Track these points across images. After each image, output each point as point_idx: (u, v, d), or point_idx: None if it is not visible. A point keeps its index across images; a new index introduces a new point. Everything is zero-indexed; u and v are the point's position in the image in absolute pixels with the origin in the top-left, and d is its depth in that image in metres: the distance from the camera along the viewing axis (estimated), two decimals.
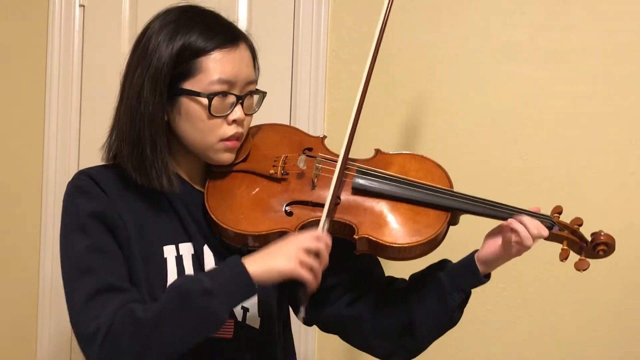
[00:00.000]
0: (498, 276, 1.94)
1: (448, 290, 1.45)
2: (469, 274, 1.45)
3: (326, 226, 1.37)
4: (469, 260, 1.46)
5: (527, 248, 1.40)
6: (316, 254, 1.31)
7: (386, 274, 1.59)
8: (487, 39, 2.12)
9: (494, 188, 2.08)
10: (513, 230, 1.39)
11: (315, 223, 1.42)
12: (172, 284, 1.31)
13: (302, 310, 1.38)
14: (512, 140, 2.09)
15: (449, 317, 1.47)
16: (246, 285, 1.28)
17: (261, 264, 1.29)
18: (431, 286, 1.47)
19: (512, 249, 1.41)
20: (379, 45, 1.48)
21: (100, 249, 1.36)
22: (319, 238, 1.33)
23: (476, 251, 1.46)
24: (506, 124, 2.10)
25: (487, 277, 1.47)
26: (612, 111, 2.03)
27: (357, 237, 1.41)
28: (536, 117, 2.08)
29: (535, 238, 1.40)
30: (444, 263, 1.50)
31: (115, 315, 1.28)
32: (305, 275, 1.30)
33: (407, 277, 1.56)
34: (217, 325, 1.28)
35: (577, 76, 2.05)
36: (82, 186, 1.42)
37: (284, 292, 1.54)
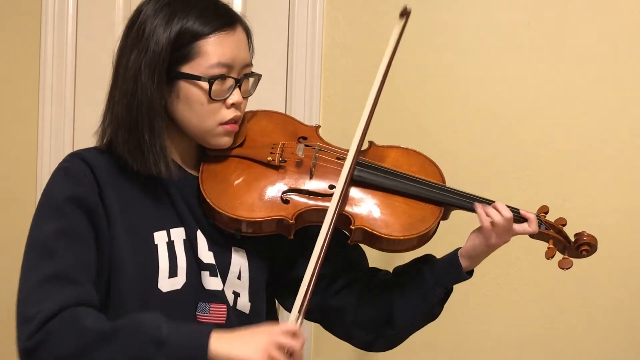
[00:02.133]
0: (495, 261, 1.97)
1: (430, 286, 1.48)
2: (451, 270, 1.49)
3: (300, 320, 1.30)
4: (452, 256, 1.49)
5: (506, 241, 1.46)
6: (290, 352, 1.24)
7: (373, 265, 1.61)
8: (483, 28, 2.13)
9: (490, 176, 2.11)
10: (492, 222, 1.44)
11: (310, 212, 1.44)
12: (134, 315, 1.27)
13: None
14: (509, 129, 2.11)
15: (430, 311, 1.51)
16: (197, 358, 1.22)
17: (227, 347, 1.22)
18: (414, 281, 1.50)
19: (491, 238, 1.45)
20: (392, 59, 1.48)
21: (70, 234, 1.32)
22: (295, 335, 1.25)
23: (459, 248, 1.50)
24: (503, 112, 2.12)
25: (470, 273, 1.51)
26: (609, 99, 2.05)
27: (353, 227, 1.43)
28: (533, 106, 2.10)
29: (519, 232, 1.45)
30: (428, 258, 1.53)
31: (61, 309, 1.24)
32: None
33: (391, 269, 1.59)
34: None
35: (574, 64, 2.07)
36: (70, 168, 1.39)
37: (272, 278, 1.55)
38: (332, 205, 1.40)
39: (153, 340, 1.21)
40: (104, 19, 2.42)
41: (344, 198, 1.46)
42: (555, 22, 2.08)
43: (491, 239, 1.45)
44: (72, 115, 2.47)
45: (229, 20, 1.42)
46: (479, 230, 1.47)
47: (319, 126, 1.60)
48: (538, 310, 2.13)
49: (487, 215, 1.44)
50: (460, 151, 2.13)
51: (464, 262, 1.48)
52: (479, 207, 1.46)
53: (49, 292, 1.26)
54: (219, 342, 1.23)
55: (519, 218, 1.47)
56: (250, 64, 1.47)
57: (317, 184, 1.47)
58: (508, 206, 1.47)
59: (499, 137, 2.12)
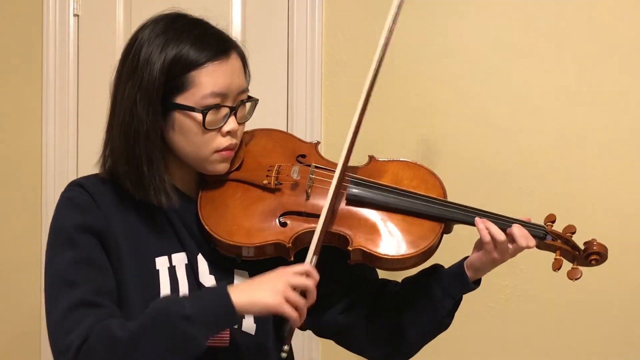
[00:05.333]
0: (500, 273, 1.95)
1: (439, 298, 1.47)
2: (458, 281, 1.46)
3: (314, 260, 1.37)
4: (459, 267, 1.47)
5: (511, 256, 1.43)
6: (303, 291, 1.32)
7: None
8: (481, 35, 2.13)
9: (491, 184, 2.10)
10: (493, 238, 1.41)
11: (308, 234, 1.42)
12: (153, 305, 1.30)
13: (285, 347, 1.38)
14: (509, 136, 2.11)
15: (440, 322, 1.49)
16: (228, 315, 1.27)
17: (246, 295, 1.28)
18: (422, 294, 1.49)
19: (493, 253, 1.42)
20: (381, 64, 1.47)
21: (86, 260, 1.35)
22: (308, 274, 1.33)
23: (466, 258, 1.47)
24: (502, 120, 2.11)
25: (477, 283, 1.48)
26: (609, 105, 2.04)
27: (351, 248, 1.41)
28: (532, 113, 2.09)
29: (523, 248, 1.41)
30: (435, 269, 1.51)
31: (91, 330, 1.27)
32: (290, 312, 1.29)
33: (399, 279, 1.57)
34: (195, 350, 1.27)
35: (573, 70, 2.06)
36: (73, 197, 1.41)
37: None
38: (320, 220, 1.40)
39: (181, 318, 1.24)
40: (104, 42, 2.45)
41: (341, 216, 1.44)
42: (553, 28, 2.07)
43: (493, 254, 1.42)
44: (76, 138, 2.51)
45: (223, 48, 1.42)
46: (481, 244, 1.44)
47: (318, 142, 1.59)
48: (545, 322, 2.11)
49: (488, 230, 1.41)
50: (462, 160, 2.12)
51: (469, 273, 1.45)
52: (479, 222, 1.43)
53: (76, 320, 1.29)
54: (238, 294, 1.28)
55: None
56: (246, 90, 1.46)
57: (313, 205, 1.45)
58: (506, 217, 1.45)
59: (500, 146, 2.11)
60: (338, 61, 2.24)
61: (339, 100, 2.25)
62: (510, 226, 1.43)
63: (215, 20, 1.48)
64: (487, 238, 1.41)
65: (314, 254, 1.36)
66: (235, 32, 2.34)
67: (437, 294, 1.47)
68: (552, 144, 2.08)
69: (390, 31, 1.49)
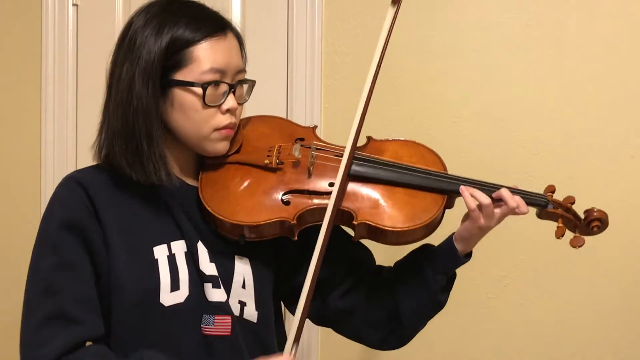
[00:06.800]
0: (500, 264, 1.95)
1: (430, 275, 1.46)
2: (448, 257, 1.47)
3: (294, 350, 1.36)
4: (447, 242, 1.47)
5: (498, 222, 1.43)
6: None
7: (378, 261, 1.60)
8: (482, 28, 2.13)
9: (491, 177, 2.07)
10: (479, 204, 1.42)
11: (312, 212, 1.43)
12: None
13: None
14: (510, 129, 2.11)
15: (434, 301, 1.49)
16: None
17: None
18: (413, 272, 1.49)
19: (480, 220, 1.42)
20: (384, 54, 1.47)
21: (68, 267, 1.33)
22: None
23: (454, 233, 1.48)
24: (504, 112, 2.12)
25: (468, 256, 1.48)
26: (609, 97, 2.04)
27: (356, 223, 1.42)
28: (534, 105, 2.09)
29: (511, 210, 1.42)
30: (424, 247, 1.52)
31: (62, 354, 1.28)
32: None
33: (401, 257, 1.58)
34: None
35: (573, 64, 2.06)
36: (64, 193, 1.39)
37: (278, 285, 1.54)
38: (330, 203, 1.39)
39: None
40: (103, 32, 2.45)
41: (344, 194, 1.44)
42: (554, 22, 2.07)
43: (480, 221, 1.42)
44: (75, 127, 2.52)
45: (220, 26, 1.42)
46: (468, 214, 1.45)
47: (316, 126, 1.60)
48: (543, 312, 2.12)
49: (473, 197, 1.42)
50: (461, 152, 2.13)
51: (459, 246, 1.46)
52: (464, 189, 1.44)
53: (48, 335, 1.30)
54: None
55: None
56: (243, 70, 1.46)
57: (316, 183, 1.46)
58: (519, 190, 1.46)
59: (499, 138, 2.12)
60: (338, 51, 2.24)
61: (338, 90, 2.24)
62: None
63: (212, 2, 1.49)
64: (473, 205, 1.42)
65: (294, 342, 1.36)
66: (235, 21, 2.32)
67: (428, 271, 1.47)
68: (553, 137, 2.09)
69: (392, 25, 1.50)
